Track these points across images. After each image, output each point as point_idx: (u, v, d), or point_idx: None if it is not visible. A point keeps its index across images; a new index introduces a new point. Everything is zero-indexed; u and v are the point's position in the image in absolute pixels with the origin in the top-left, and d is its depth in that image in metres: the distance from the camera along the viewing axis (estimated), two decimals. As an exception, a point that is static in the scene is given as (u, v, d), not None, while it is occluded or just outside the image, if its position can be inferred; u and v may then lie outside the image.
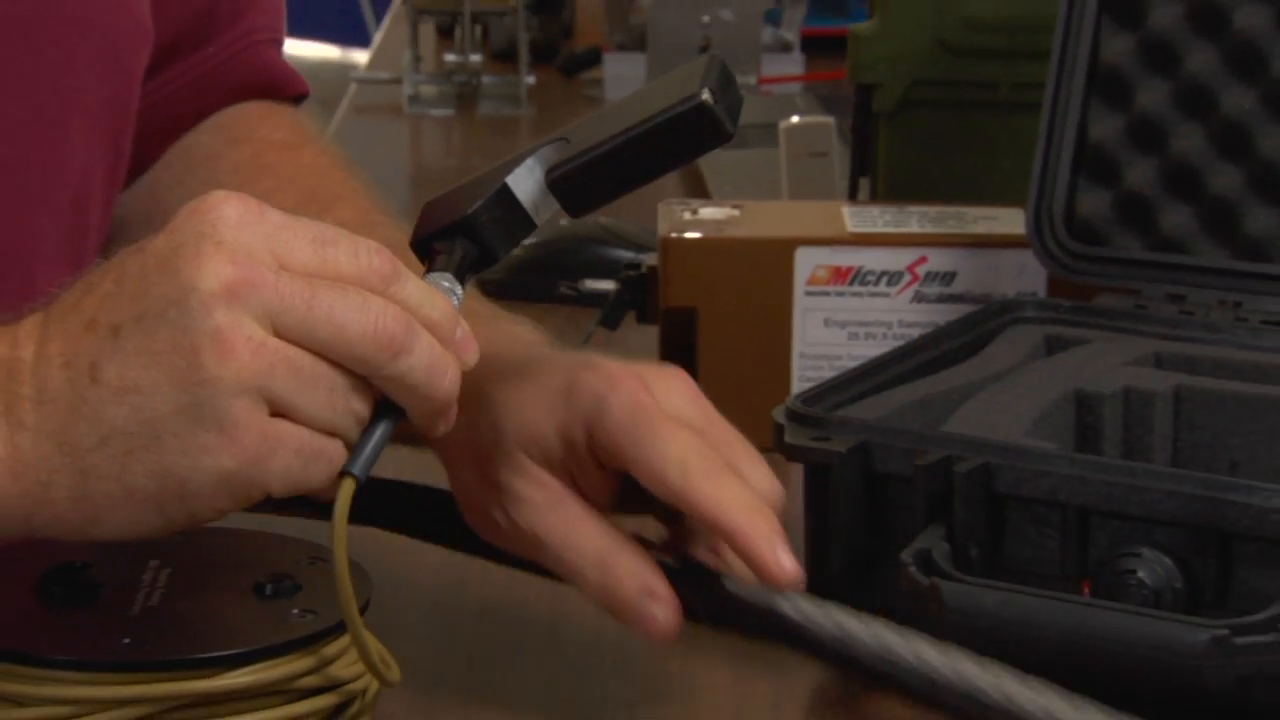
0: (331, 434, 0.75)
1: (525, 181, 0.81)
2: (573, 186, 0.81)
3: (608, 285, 1.26)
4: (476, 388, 0.83)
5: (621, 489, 0.84)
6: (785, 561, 0.80)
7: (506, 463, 0.83)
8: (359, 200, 1.04)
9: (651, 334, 1.23)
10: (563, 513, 0.83)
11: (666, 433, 0.81)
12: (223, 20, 1.09)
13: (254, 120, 1.11)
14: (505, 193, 0.81)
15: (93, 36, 0.94)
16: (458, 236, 0.80)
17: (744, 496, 0.80)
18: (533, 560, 0.85)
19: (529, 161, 0.82)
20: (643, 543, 0.83)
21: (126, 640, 0.77)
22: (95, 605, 0.80)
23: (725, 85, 0.80)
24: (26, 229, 0.93)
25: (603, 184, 0.81)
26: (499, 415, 0.84)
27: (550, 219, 0.83)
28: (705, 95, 0.79)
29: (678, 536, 0.85)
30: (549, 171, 0.81)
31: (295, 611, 0.79)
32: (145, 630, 0.78)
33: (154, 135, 1.07)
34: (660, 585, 0.81)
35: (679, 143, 0.80)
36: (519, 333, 0.90)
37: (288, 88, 1.13)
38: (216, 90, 1.09)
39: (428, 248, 0.81)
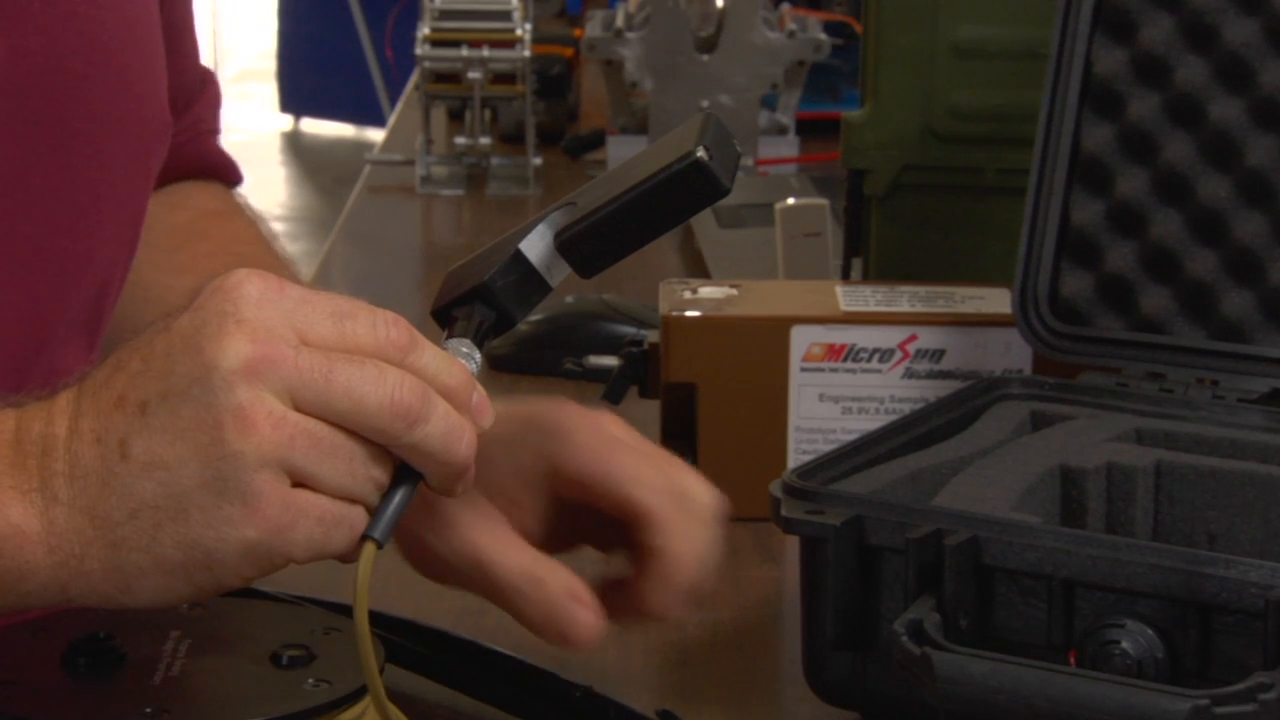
0: (352, 501, 0.74)
1: (537, 246, 0.81)
2: (581, 248, 0.81)
3: (611, 361, 1.25)
4: None
5: (552, 527, 0.85)
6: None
7: None
8: (286, 271, 1.06)
9: (653, 408, 1.22)
10: (496, 532, 0.83)
11: (627, 454, 0.84)
12: (178, 107, 1.09)
13: (190, 189, 1.13)
14: (519, 258, 0.81)
15: (123, 134, 0.94)
16: (475, 302, 0.80)
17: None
18: (468, 586, 0.84)
19: (540, 227, 0.81)
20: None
21: (148, 709, 0.76)
22: (118, 676, 0.79)
23: (720, 142, 0.79)
24: (54, 315, 0.92)
25: (609, 244, 0.81)
26: None
27: (562, 282, 0.83)
28: (700, 153, 0.78)
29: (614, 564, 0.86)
30: (557, 235, 0.81)
31: (310, 681, 0.78)
32: (167, 700, 0.77)
33: None
34: (585, 591, 0.82)
35: (678, 200, 0.79)
36: None
37: (225, 175, 1.15)
38: (165, 169, 1.09)
39: (447, 315, 0.81)
